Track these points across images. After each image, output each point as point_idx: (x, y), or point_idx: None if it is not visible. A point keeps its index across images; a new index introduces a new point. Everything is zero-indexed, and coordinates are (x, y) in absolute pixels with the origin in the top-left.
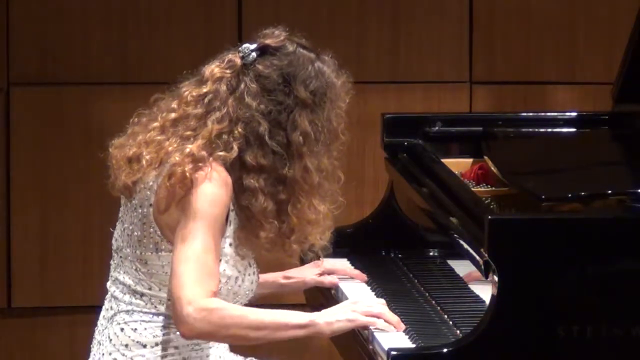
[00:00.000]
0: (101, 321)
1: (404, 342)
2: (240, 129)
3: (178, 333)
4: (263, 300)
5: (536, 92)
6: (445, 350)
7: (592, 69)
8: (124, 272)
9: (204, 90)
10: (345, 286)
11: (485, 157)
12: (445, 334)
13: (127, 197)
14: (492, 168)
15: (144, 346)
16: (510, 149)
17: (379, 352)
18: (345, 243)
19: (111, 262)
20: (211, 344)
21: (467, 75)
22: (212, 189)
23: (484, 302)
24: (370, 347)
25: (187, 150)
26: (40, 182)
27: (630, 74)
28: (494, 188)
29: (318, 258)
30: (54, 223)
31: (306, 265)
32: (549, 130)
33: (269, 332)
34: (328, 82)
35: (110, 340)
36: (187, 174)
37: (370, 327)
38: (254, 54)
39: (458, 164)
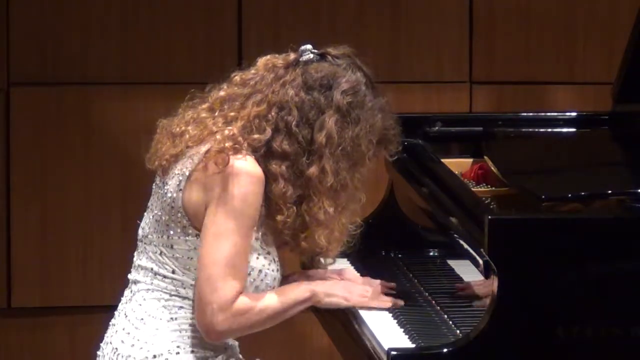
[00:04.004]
0: (118, 310)
1: (404, 342)
2: (273, 113)
3: (193, 317)
4: None
5: (536, 92)
6: (445, 350)
7: (592, 69)
8: (147, 258)
9: (253, 72)
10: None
11: (485, 157)
12: (445, 334)
13: (161, 175)
14: (492, 168)
15: (160, 320)
16: (510, 149)
17: (376, 347)
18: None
19: (135, 253)
20: None
21: (467, 75)
22: (250, 186)
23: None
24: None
25: (226, 132)
26: (40, 182)
27: (630, 74)
28: (494, 188)
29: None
30: (54, 223)
31: (327, 272)
32: (549, 130)
33: (282, 316)
34: (367, 104)
35: (126, 315)
36: (225, 152)
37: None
38: (311, 55)
39: (458, 164)
